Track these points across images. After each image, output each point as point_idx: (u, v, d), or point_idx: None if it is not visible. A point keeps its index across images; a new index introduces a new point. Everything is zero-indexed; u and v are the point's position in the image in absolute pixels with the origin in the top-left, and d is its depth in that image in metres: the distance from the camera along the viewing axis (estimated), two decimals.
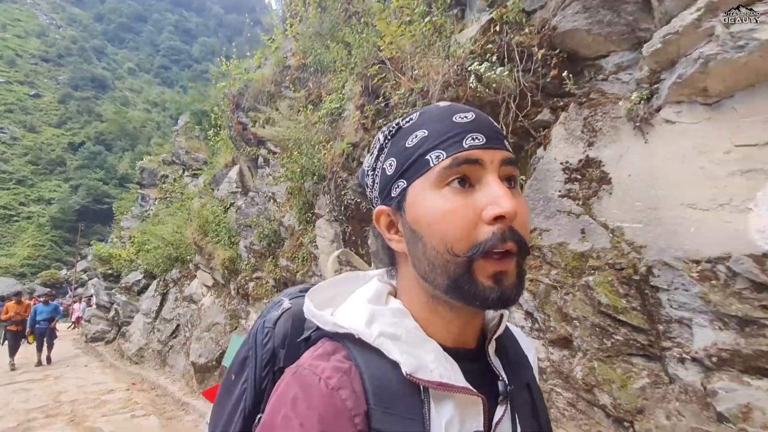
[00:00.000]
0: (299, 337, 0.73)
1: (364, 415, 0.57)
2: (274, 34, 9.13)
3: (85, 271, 41.79)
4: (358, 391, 0.59)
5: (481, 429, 0.63)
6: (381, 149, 0.71)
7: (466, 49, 3.11)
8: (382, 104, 4.24)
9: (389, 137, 0.70)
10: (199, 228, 8.53)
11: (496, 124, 0.67)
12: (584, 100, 2.68)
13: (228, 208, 8.71)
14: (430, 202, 0.62)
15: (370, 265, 3.72)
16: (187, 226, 9.04)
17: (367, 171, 0.74)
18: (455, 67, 3.28)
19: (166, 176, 15.80)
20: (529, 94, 2.86)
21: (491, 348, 0.72)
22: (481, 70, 2.83)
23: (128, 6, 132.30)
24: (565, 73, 2.68)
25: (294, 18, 8.13)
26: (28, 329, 11.12)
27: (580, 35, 2.62)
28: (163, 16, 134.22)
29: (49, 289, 12.45)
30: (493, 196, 0.59)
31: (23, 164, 61.92)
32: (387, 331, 0.63)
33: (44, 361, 11.34)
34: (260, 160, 8.04)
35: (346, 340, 0.64)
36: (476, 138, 0.62)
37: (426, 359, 0.61)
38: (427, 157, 0.63)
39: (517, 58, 2.89)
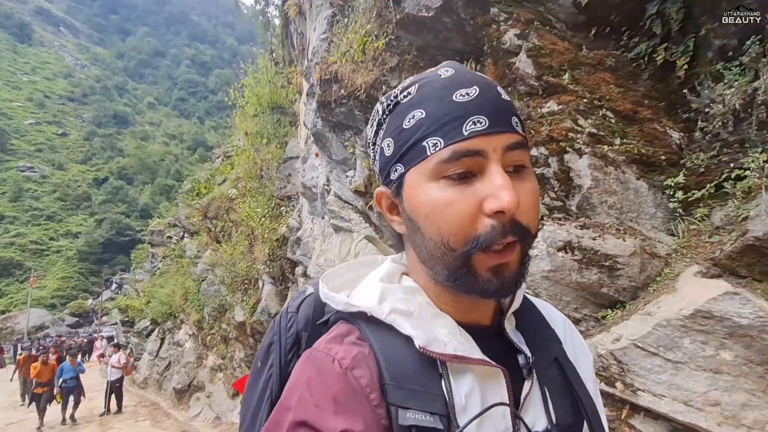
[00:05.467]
0: (320, 320, 0.74)
1: (380, 391, 0.58)
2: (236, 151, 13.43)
3: (111, 299, 46.04)
4: (373, 369, 0.60)
5: (506, 401, 0.62)
6: (379, 124, 0.68)
7: (264, 254, 7.24)
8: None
9: (387, 112, 0.66)
10: (183, 296, 12.75)
11: (503, 95, 0.62)
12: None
13: (202, 282, 12.88)
14: (427, 193, 0.60)
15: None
16: (176, 293, 13.26)
17: (369, 142, 0.73)
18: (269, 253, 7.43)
19: (171, 237, 20.10)
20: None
21: (509, 324, 0.71)
22: (264, 276, 6.95)
23: (147, 43, 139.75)
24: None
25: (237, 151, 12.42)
26: (56, 389, 10.63)
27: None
28: (180, 51, 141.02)
29: (74, 351, 12.53)
30: (494, 187, 0.56)
31: (52, 201, 66.67)
32: (398, 308, 0.63)
33: (68, 420, 10.79)
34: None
35: (359, 319, 0.65)
36: (478, 122, 0.57)
37: (439, 333, 0.61)
38: (424, 143, 0.59)
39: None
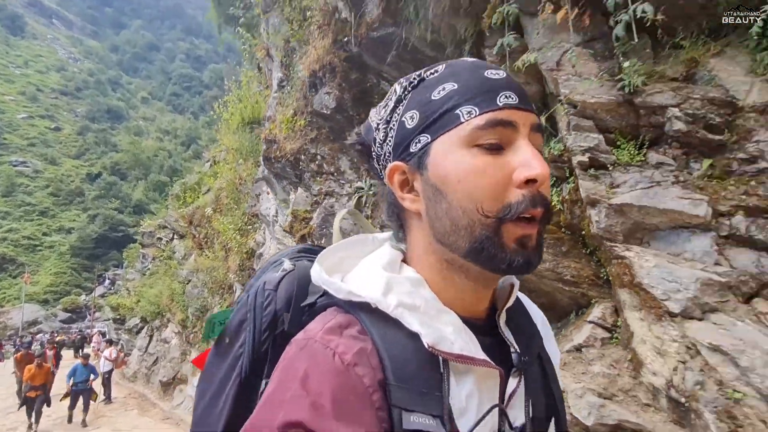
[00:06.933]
0: (303, 300, 0.70)
1: (383, 392, 0.55)
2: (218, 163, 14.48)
3: (102, 296, 46.05)
4: (375, 367, 0.56)
5: (498, 402, 0.61)
6: (399, 101, 0.66)
7: (236, 264, 8.32)
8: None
9: (409, 88, 0.66)
10: (169, 296, 13.84)
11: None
12: None
13: (187, 284, 13.96)
14: (460, 158, 0.59)
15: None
16: (163, 294, 14.35)
17: (378, 125, 0.69)
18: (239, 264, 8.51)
19: (161, 239, 21.06)
20: None
21: (502, 319, 0.69)
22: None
23: (142, 36, 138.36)
24: None
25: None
26: (68, 389, 10.41)
27: None
28: (175, 45, 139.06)
29: (87, 353, 12.45)
30: (525, 158, 0.58)
31: (45, 196, 66.52)
32: (405, 302, 0.60)
33: (80, 422, 10.48)
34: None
35: (360, 310, 0.61)
36: (510, 96, 0.60)
37: (445, 331, 0.59)
38: (457, 111, 0.60)
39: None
